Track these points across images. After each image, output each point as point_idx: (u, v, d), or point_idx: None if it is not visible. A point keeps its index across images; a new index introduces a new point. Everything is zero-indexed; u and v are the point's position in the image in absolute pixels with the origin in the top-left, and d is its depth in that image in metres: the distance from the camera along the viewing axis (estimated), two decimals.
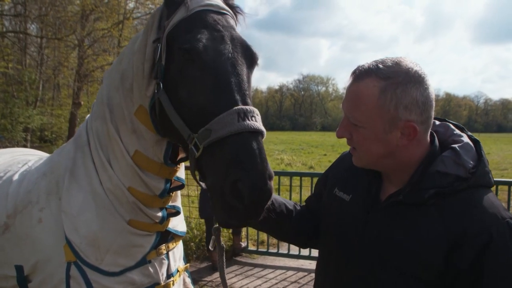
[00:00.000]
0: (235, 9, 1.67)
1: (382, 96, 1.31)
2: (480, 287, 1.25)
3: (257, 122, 1.34)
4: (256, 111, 1.38)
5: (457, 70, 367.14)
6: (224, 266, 1.72)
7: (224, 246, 1.70)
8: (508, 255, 1.25)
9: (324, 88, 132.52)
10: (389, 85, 1.31)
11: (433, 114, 1.40)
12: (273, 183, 1.30)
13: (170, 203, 1.89)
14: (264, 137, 1.37)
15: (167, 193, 1.79)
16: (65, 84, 30.87)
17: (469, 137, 1.47)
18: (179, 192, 2.00)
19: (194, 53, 1.41)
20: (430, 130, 1.44)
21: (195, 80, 1.41)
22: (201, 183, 1.48)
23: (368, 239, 1.46)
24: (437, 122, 1.55)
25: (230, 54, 1.45)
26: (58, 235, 1.74)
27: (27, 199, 1.87)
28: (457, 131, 1.50)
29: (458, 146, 1.40)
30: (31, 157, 2.35)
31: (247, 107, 1.35)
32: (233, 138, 1.29)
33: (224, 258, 1.70)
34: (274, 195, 1.54)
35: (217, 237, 1.66)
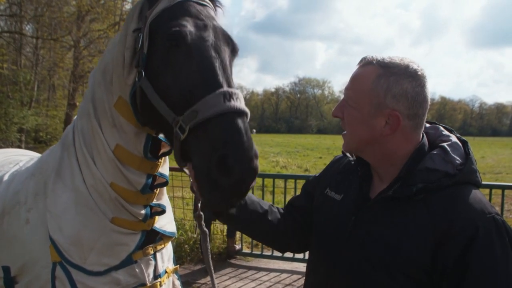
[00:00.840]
0: (215, 2, 1.70)
1: (376, 80, 1.39)
2: (466, 282, 1.25)
3: (242, 103, 1.37)
4: (240, 93, 1.40)
5: (452, 73, 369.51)
6: (209, 252, 1.73)
7: (207, 231, 1.71)
8: (493, 250, 1.25)
9: (320, 91, 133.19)
10: (385, 73, 1.39)
11: (424, 114, 1.43)
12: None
13: (155, 201, 1.87)
14: (248, 118, 1.39)
15: (149, 189, 1.77)
16: (60, 85, 30.72)
17: (458, 137, 1.51)
18: (164, 191, 1.98)
19: (179, 38, 1.44)
20: (422, 131, 1.47)
21: (180, 65, 1.44)
22: (185, 169, 1.49)
23: (357, 237, 1.47)
24: (428, 125, 1.59)
25: (213, 41, 1.48)
26: (45, 236, 1.72)
27: (15, 200, 1.85)
28: (446, 132, 1.54)
29: (447, 144, 1.44)
30: (23, 158, 2.33)
31: (231, 89, 1.38)
32: (220, 118, 1.31)
33: (208, 243, 1.71)
34: (249, 193, 1.58)
35: (199, 223, 1.68)
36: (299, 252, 1.93)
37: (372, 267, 1.40)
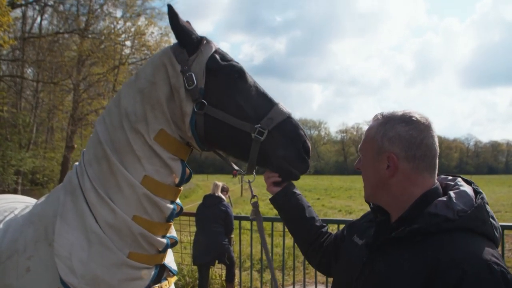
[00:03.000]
0: None
1: (376, 129, 1.58)
2: None
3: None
4: None
5: (447, 113, 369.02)
6: (264, 235, 2.08)
7: (262, 216, 2.06)
8: None
9: (316, 132, 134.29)
10: (384, 122, 1.57)
11: (427, 156, 1.48)
12: None
13: (168, 234, 1.95)
14: None
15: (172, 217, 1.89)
16: (58, 127, 31.01)
17: (474, 189, 1.53)
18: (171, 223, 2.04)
19: (241, 72, 1.92)
20: (432, 177, 1.52)
21: (247, 90, 1.91)
22: (247, 178, 2.00)
23: (363, 278, 1.53)
24: (450, 177, 1.65)
25: None
26: (49, 282, 1.72)
27: (13, 249, 1.84)
28: (461, 182, 1.58)
29: (454, 192, 1.47)
30: (18, 205, 2.32)
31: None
32: (288, 120, 1.88)
33: (262, 226, 2.03)
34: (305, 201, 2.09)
35: (257, 209, 2.05)
36: (315, 267, 2.15)
37: None
